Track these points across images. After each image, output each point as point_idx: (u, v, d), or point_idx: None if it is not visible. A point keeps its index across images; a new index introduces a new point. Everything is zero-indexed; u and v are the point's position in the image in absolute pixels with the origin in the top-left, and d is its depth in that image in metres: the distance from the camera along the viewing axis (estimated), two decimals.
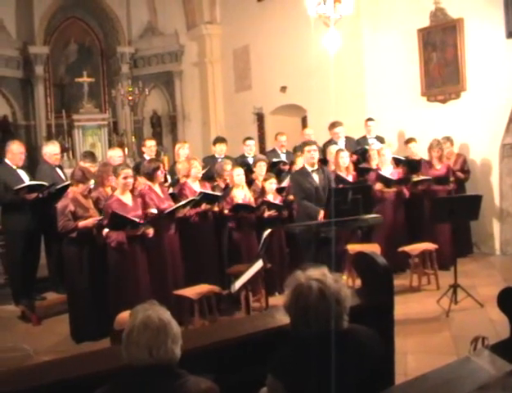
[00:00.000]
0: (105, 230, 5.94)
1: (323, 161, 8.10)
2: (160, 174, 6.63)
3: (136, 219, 5.91)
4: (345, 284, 2.58)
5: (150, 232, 6.07)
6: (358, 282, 6.00)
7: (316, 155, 7.20)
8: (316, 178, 7.10)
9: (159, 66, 15.71)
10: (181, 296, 5.96)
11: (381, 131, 9.54)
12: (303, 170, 7.21)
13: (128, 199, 6.13)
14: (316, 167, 7.16)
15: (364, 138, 9.40)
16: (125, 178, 6.06)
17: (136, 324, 2.25)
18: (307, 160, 7.16)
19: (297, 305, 2.34)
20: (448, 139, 8.77)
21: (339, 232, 6.76)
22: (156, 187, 6.55)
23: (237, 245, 7.14)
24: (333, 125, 9.23)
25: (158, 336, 2.23)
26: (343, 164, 7.96)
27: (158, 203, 6.41)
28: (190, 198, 6.64)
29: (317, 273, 2.42)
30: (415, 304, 6.52)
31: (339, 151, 8.13)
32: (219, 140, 8.99)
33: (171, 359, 2.26)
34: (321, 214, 6.75)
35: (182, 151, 8.19)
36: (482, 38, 8.79)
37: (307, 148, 7.15)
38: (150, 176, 6.50)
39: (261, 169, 7.83)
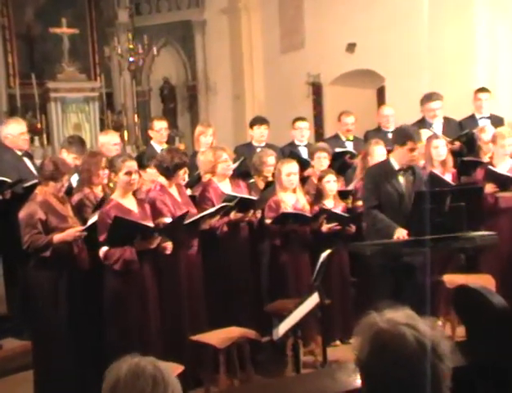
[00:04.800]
0: (103, 248, 5.94)
1: None
2: (182, 175, 6.72)
3: (151, 224, 5.95)
4: (444, 333, 2.49)
5: (169, 246, 6.11)
6: (461, 331, 5.86)
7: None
8: (401, 180, 6.94)
9: (172, 14, 15.88)
10: (202, 344, 5.95)
11: (499, 108, 9.41)
12: (386, 166, 7.00)
13: (131, 204, 6.17)
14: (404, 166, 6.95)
15: (472, 118, 9.25)
16: (128, 173, 6.08)
17: (121, 376, 2.22)
18: (405, 158, 6.87)
19: (382, 361, 2.26)
20: None
21: (431, 255, 6.64)
22: (172, 189, 6.62)
23: (282, 271, 7.16)
24: (428, 98, 9.10)
25: (155, 387, 2.19)
26: (438, 156, 7.87)
27: (174, 210, 6.45)
28: (222, 204, 6.66)
29: (402, 316, 2.35)
30: None
31: (431, 137, 8.04)
32: (259, 121, 9.02)
33: None
34: (401, 232, 6.58)
35: (204, 138, 8.25)
36: None
37: (411, 146, 6.80)
38: (169, 173, 6.55)
39: (320, 163, 7.84)
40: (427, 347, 2.26)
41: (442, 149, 7.88)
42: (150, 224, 5.96)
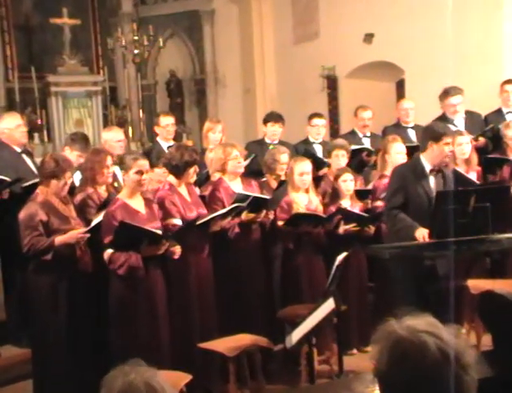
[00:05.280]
0: (108, 251, 5.96)
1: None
2: (192, 174, 6.69)
3: (159, 231, 5.95)
4: (468, 342, 2.47)
5: (177, 251, 6.11)
6: (487, 340, 5.84)
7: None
8: (431, 183, 6.89)
9: (178, 3, 15.89)
10: (210, 352, 5.96)
11: None
12: (417, 166, 6.91)
13: (138, 204, 6.17)
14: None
15: (498, 113, 9.21)
16: (139, 172, 6.09)
17: None
18: (440, 156, 6.87)
19: (402, 371, 2.25)
20: None
21: (454, 259, 6.61)
22: (182, 188, 6.61)
23: (296, 275, 7.14)
24: (447, 93, 9.04)
25: None
26: (462, 154, 7.85)
27: (183, 210, 6.45)
28: (234, 204, 6.64)
29: (423, 323, 2.33)
30: None
31: (454, 134, 7.97)
32: (274, 118, 8.99)
33: None
34: (422, 231, 6.55)
35: (213, 135, 8.27)
36: None
37: (447, 140, 6.81)
38: (179, 172, 6.54)
39: (338, 162, 7.86)
40: (450, 357, 2.22)
41: (466, 146, 7.85)
42: (158, 231, 5.93)
